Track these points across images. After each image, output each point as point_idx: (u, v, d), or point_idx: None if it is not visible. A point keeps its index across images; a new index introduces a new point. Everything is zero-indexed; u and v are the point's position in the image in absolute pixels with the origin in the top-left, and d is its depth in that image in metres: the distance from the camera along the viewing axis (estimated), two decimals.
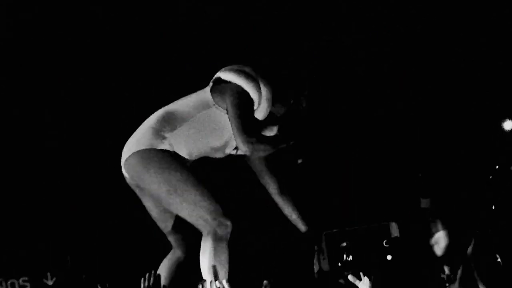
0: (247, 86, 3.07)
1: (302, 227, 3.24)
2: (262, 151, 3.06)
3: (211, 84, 3.22)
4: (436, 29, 7.84)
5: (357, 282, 2.83)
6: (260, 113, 3.18)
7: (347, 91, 7.66)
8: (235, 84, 3.08)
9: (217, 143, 3.15)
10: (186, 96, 3.25)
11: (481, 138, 7.74)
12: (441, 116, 7.72)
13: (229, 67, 3.18)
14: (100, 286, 2.95)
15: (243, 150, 3.02)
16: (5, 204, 6.45)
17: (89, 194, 6.60)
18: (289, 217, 3.29)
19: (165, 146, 3.02)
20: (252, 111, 3.11)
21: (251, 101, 3.09)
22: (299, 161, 3.13)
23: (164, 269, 3.13)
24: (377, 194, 6.26)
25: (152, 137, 3.03)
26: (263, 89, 3.11)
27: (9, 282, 5.69)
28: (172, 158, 3.01)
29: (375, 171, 7.01)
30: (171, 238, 3.19)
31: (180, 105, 3.18)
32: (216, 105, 3.11)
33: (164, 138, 3.03)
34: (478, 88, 7.83)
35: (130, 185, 3.19)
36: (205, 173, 3.17)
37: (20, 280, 5.74)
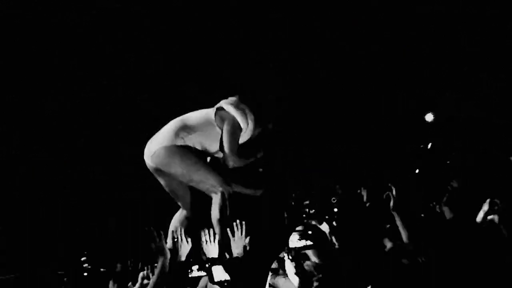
0: (240, 120, 4.55)
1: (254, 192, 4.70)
2: (240, 164, 4.59)
3: (215, 109, 4.59)
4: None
5: (321, 226, 3.88)
6: (244, 136, 4.67)
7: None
8: (233, 116, 4.57)
9: (214, 150, 4.63)
10: (196, 112, 4.66)
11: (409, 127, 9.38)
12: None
13: (231, 100, 4.63)
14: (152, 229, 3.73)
15: (230, 164, 4.58)
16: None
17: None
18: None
19: (182, 143, 4.51)
20: (238, 137, 4.58)
21: (240, 130, 4.57)
22: (260, 170, 4.89)
23: (176, 221, 4.66)
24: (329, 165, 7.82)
25: (173, 138, 4.51)
26: (250, 123, 4.60)
27: None
28: (188, 150, 4.49)
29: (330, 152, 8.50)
30: (181, 203, 4.72)
31: (193, 118, 4.62)
32: (217, 126, 4.53)
33: (181, 139, 4.50)
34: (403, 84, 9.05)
35: (150, 169, 4.62)
36: None
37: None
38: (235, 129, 4.59)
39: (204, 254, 3.96)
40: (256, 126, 4.71)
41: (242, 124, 4.59)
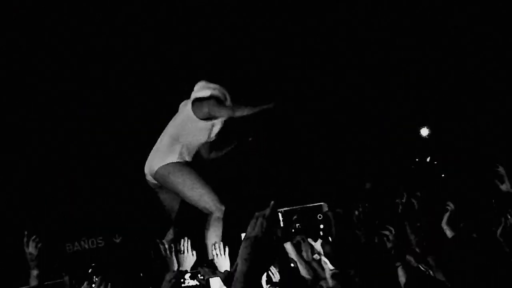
0: (217, 94, 4.84)
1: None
2: (242, 115, 4.83)
3: (190, 104, 4.89)
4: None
5: (312, 242, 4.04)
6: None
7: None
8: (209, 97, 4.83)
9: (204, 139, 4.98)
10: (176, 118, 4.98)
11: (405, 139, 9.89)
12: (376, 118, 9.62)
13: (198, 87, 4.90)
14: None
15: (238, 116, 4.81)
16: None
17: None
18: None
19: (178, 159, 4.87)
20: (224, 102, 4.88)
21: (222, 101, 4.87)
22: (250, 139, 5.13)
23: (169, 237, 4.95)
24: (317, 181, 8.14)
25: (170, 155, 4.84)
26: (227, 95, 4.88)
27: (89, 240, 7.56)
28: (185, 166, 4.87)
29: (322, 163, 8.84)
30: (174, 219, 5.05)
31: (177, 125, 4.94)
32: (200, 118, 4.85)
33: (176, 152, 4.85)
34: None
35: (151, 185, 5.00)
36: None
37: (98, 239, 7.55)
38: (218, 101, 4.85)
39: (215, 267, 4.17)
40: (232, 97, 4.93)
41: (222, 96, 4.88)
